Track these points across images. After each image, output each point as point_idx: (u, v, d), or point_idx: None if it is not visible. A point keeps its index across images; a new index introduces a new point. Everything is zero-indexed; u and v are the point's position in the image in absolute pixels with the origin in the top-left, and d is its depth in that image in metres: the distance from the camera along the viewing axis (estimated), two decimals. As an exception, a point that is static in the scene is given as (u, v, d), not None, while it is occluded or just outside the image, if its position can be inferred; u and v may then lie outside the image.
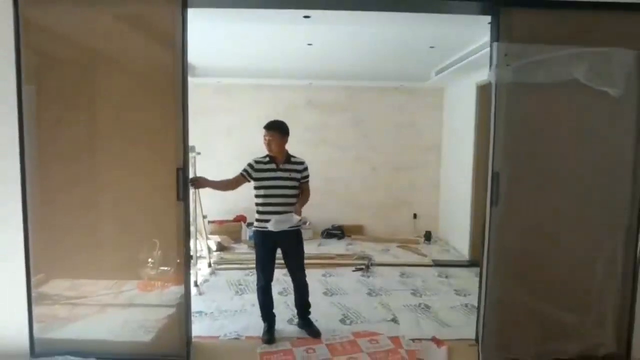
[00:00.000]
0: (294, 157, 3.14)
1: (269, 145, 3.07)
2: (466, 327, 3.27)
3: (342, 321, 3.44)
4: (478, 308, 2.90)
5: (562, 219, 2.72)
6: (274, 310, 3.23)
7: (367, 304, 3.82)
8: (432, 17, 3.23)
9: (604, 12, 2.59)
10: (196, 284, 4.11)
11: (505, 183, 2.63)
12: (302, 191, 3.14)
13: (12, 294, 2.72)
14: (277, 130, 3.07)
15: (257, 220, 3.11)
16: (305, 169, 3.15)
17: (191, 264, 3.24)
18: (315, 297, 3.37)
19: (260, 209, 3.08)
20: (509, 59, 2.53)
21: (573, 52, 2.53)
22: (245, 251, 5.58)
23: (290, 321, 3.42)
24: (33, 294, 2.73)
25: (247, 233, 5.95)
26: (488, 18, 2.88)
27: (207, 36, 3.97)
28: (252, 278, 4.46)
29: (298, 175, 3.10)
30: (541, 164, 2.69)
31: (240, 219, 6.24)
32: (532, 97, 2.63)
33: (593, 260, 2.71)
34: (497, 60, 2.53)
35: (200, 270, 4.51)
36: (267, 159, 3.09)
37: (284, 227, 2.99)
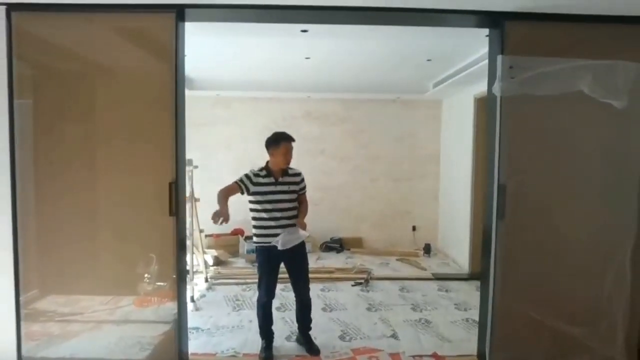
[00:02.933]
0: (290, 168, 3.10)
1: (285, 156, 3.00)
2: (467, 342, 3.21)
3: (342, 337, 3.38)
4: (480, 322, 2.86)
5: (569, 231, 2.70)
6: (272, 327, 3.17)
7: (367, 319, 3.76)
8: (429, 30, 3.24)
9: (605, 24, 2.61)
10: (192, 300, 4.04)
11: (511, 196, 2.61)
12: (300, 202, 3.11)
13: (1, 312, 2.65)
14: (293, 140, 3.04)
15: (258, 235, 3.02)
16: (302, 180, 3.12)
17: (187, 279, 3.18)
18: (314, 312, 3.31)
19: (263, 223, 2.99)
20: (513, 72, 2.53)
21: (577, 65, 2.54)
22: (242, 265, 5.51)
23: (288, 338, 3.35)
24: (25, 311, 2.67)
25: (244, 247, 5.89)
26: (486, 31, 2.90)
27: (205, 49, 3.98)
28: (249, 293, 4.39)
29: (297, 188, 3.07)
30: (547, 176, 2.68)
31: (238, 232, 6.18)
32: (536, 110, 2.63)
33: (602, 273, 2.68)
34: (501, 73, 2.53)
35: (196, 285, 4.44)
36: (265, 172, 3.01)
37: (294, 243, 2.94)
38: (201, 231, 4.75)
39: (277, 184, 3.00)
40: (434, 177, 6.52)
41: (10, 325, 2.65)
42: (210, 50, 4.06)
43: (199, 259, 4.97)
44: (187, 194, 3.21)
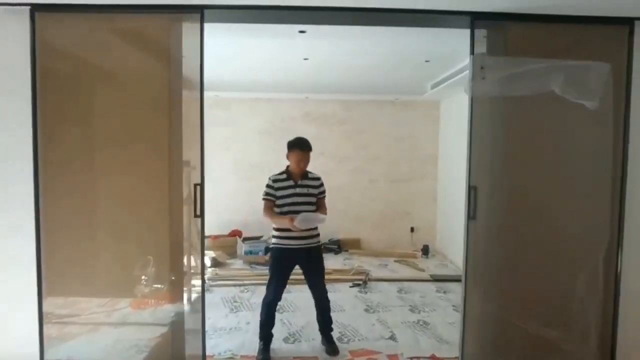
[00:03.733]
0: (310, 172, 3.14)
1: (299, 164, 3.04)
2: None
3: (340, 339, 3.37)
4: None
5: (541, 233, 2.69)
6: (272, 330, 3.16)
7: (365, 321, 3.75)
8: (427, 32, 3.24)
9: (583, 25, 2.60)
10: (190, 301, 4.02)
11: (484, 197, 2.60)
12: (319, 207, 3.13)
13: (20, 312, 2.63)
14: (309, 149, 3.08)
15: (276, 236, 3.08)
16: (322, 184, 3.17)
17: (184, 281, 3.18)
18: (311, 314, 3.31)
19: (277, 226, 3.05)
20: (485, 72, 2.52)
21: (549, 65, 2.52)
22: (240, 267, 5.50)
23: (286, 340, 3.34)
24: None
25: (242, 248, 5.88)
26: (483, 32, 2.89)
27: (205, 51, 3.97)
28: (247, 295, 4.38)
29: (315, 191, 3.11)
30: (520, 178, 2.67)
31: (236, 233, 6.17)
32: (508, 110, 2.62)
33: (575, 275, 2.66)
34: (472, 73, 2.52)
35: (194, 287, 4.42)
36: (285, 175, 3.08)
37: (310, 225, 2.97)
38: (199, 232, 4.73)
39: (296, 186, 3.04)
40: (432, 178, 6.52)
41: (32, 328, 2.61)
42: (209, 51, 4.05)
43: (196, 261, 4.95)
44: (185, 195, 3.21)
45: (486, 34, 2.69)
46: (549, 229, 2.69)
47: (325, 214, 3.13)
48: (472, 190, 2.62)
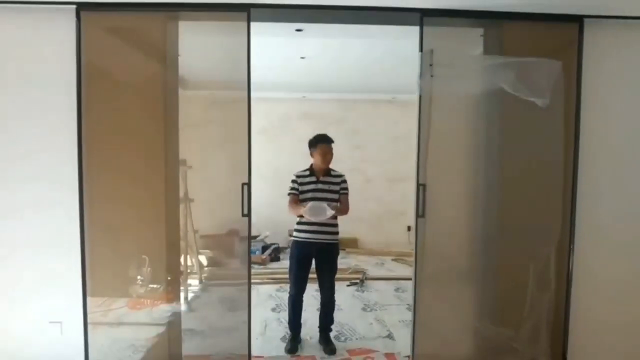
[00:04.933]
0: (333, 170, 3.21)
1: (324, 157, 3.14)
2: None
3: (337, 338, 3.37)
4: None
5: (493, 232, 2.69)
6: (301, 321, 3.24)
7: (362, 319, 3.75)
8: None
9: (532, 23, 2.61)
10: (187, 301, 4.01)
11: (434, 194, 2.59)
12: (340, 203, 3.17)
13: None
14: (330, 141, 3.23)
15: (296, 230, 3.19)
16: (344, 181, 3.23)
17: (181, 280, 3.17)
18: (309, 313, 3.31)
19: (301, 219, 3.13)
20: (434, 70, 2.51)
21: (499, 63, 2.51)
22: (238, 266, 5.48)
23: (283, 339, 3.33)
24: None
25: (240, 247, 5.86)
26: (480, 30, 2.89)
27: (201, 49, 3.95)
28: (244, 295, 4.36)
29: (337, 187, 3.17)
30: (470, 176, 2.67)
31: (233, 233, 6.15)
32: (458, 108, 2.63)
33: (525, 274, 2.66)
34: (421, 71, 2.51)
35: (191, 287, 4.41)
36: (308, 172, 3.18)
37: (319, 215, 3.00)
38: (196, 232, 4.72)
39: (318, 182, 3.13)
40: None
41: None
42: (209, 51, 4.03)
43: (193, 260, 4.94)
44: (181, 194, 3.21)
45: (483, 32, 2.69)
46: (501, 227, 2.68)
47: (347, 209, 3.18)
48: (421, 188, 2.60)
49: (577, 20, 2.58)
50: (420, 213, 2.60)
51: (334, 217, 3.08)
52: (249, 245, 2.79)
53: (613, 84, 2.66)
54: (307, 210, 2.96)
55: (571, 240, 2.65)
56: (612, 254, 2.72)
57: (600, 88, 2.64)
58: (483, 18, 2.60)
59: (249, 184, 2.66)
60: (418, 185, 2.59)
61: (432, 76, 2.49)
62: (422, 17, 2.54)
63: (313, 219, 3.00)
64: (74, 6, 2.48)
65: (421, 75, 2.50)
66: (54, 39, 2.52)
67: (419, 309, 2.65)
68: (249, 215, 2.70)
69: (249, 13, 2.51)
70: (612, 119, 2.69)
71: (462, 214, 2.68)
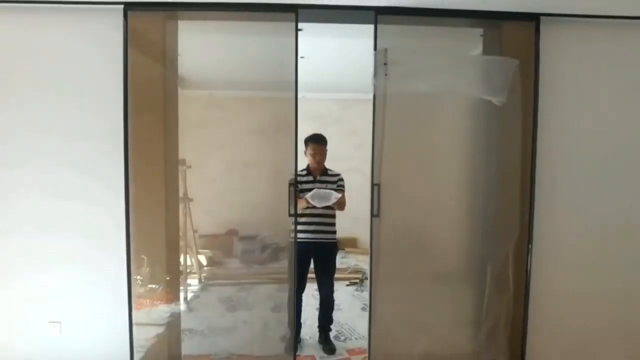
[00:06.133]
0: (330, 170, 3.17)
1: (313, 157, 3.14)
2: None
3: (337, 338, 3.37)
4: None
5: (450, 231, 2.69)
6: (301, 320, 3.28)
7: (362, 319, 3.75)
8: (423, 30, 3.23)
9: (492, 20, 2.62)
10: (186, 300, 4.01)
11: (389, 194, 2.59)
12: None
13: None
14: (323, 142, 3.24)
15: (293, 230, 3.13)
16: (341, 179, 3.31)
17: (180, 280, 3.17)
18: (308, 312, 3.31)
19: (299, 219, 3.12)
20: (388, 68, 2.48)
21: (455, 61, 2.50)
22: (237, 266, 5.47)
23: (282, 339, 3.33)
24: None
25: (239, 247, 5.85)
26: (480, 30, 2.89)
27: (199, 48, 3.94)
28: (244, 294, 4.36)
29: (334, 186, 3.24)
30: (427, 175, 2.67)
31: (232, 232, 6.14)
32: (414, 107, 2.62)
33: (484, 274, 2.65)
34: (375, 70, 2.48)
35: (190, 286, 4.41)
36: (305, 171, 3.23)
37: (324, 202, 3.04)
38: (195, 231, 4.71)
39: (315, 182, 3.17)
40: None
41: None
42: (207, 50, 4.02)
43: (192, 260, 4.93)
44: (181, 194, 3.21)
45: (482, 32, 2.69)
46: (457, 226, 2.69)
47: (344, 204, 3.25)
48: (375, 188, 2.55)
49: (533, 19, 2.57)
50: (375, 213, 2.56)
51: (332, 217, 3.08)
52: (293, 246, 2.73)
53: (570, 82, 2.65)
54: (312, 196, 2.94)
55: (530, 240, 2.64)
56: (570, 254, 2.71)
57: (557, 86, 2.63)
58: (439, 16, 2.58)
59: (295, 183, 2.66)
60: (372, 184, 2.54)
61: (386, 75, 2.46)
62: (376, 15, 2.53)
63: (318, 205, 2.96)
64: (122, 6, 2.48)
65: (375, 74, 2.46)
66: (100, 40, 2.52)
67: (374, 308, 2.63)
68: (295, 215, 2.71)
69: (296, 13, 2.51)
70: (569, 118, 2.67)
71: (417, 213, 2.66)
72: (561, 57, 2.63)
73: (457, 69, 2.49)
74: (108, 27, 2.48)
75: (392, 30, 2.55)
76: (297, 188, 3.13)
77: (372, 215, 2.61)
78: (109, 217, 2.58)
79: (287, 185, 3.11)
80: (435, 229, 2.68)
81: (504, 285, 2.65)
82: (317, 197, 2.98)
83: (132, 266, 2.63)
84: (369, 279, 2.70)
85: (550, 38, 2.60)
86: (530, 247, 2.65)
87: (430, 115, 2.64)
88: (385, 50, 2.51)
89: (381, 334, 2.64)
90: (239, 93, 6.72)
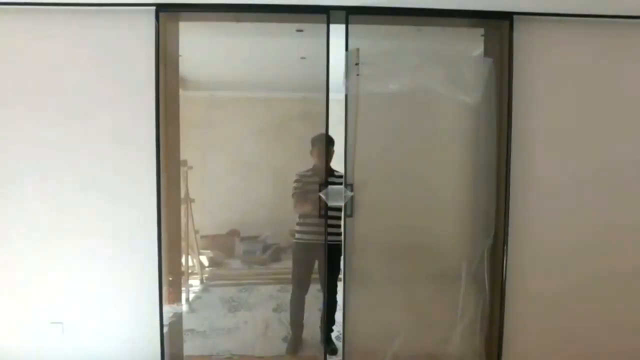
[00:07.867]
0: (337, 171, 3.16)
1: (319, 157, 3.14)
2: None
3: (338, 338, 3.37)
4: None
5: (425, 232, 2.66)
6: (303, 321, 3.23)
7: (363, 319, 3.74)
8: (424, 30, 3.23)
9: (465, 19, 2.62)
10: (188, 301, 4.01)
11: (362, 194, 2.58)
12: None
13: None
14: (330, 143, 3.19)
15: (298, 231, 3.18)
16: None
17: (182, 281, 3.18)
18: (308, 312, 3.30)
19: (302, 220, 3.13)
20: (360, 68, 2.46)
21: (427, 60, 2.48)
22: (239, 266, 5.47)
23: (285, 339, 3.33)
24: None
25: (240, 248, 5.85)
26: (481, 30, 2.89)
27: (201, 49, 3.95)
28: (245, 295, 4.36)
29: None
30: (401, 175, 2.65)
31: (234, 233, 6.15)
32: (387, 107, 2.60)
33: (459, 274, 2.63)
34: (346, 70, 2.47)
35: (192, 287, 4.41)
36: (311, 172, 3.17)
37: (337, 200, 2.93)
38: (196, 232, 4.72)
39: (321, 183, 3.05)
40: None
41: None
42: (206, 50, 4.03)
43: (194, 260, 4.94)
44: (182, 195, 3.21)
45: (483, 32, 2.69)
46: (432, 227, 2.66)
47: None
48: (348, 188, 2.60)
49: (507, 18, 2.56)
50: (348, 213, 2.56)
51: (337, 218, 3.07)
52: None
53: (544, 81, 2.63)
54: (325, 194, 2.93)
55: (505, 241, 2.62)
56: (546, 255, 2.69)
57: (530, 85, 2.61)
58: (411, 15, 2.56)
59: (344, 183, 2.65)
60: (346, 185, 2.54)
61: (358, 75, 2.44)
62: (347, 15, 2.51)
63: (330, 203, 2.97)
64: (153, 7, 2.47)
65: (347, 74, 2.46)
66: (133, 40, 2.53)
67: (348, 308, 2.62)
68: (325, 216, 2.69)
69: (328, 15, 2.49)
70: (543, 117, 2.64)
71: (391, 213, 2.65)
72: (536, 56, 2.60)
73: (430, 67, 2.46)
74: (138, 29, 2.49)
75: (363, 30, 2.54)
76: (297, 191, 3.13)
77: (345, 215, 2.58)
78: (135, 216, 2.61)
79: (287, 185, 3.11)
80: (409, 229, 2.66)
81: (479, 286, 2.62)
82: (330, 194, 2.95)
83: (162, 266, 2.65)
84: (342, 279, 2.69)
85: (525, 37, 2.58)
86: (505, 247, 2.63)
87: (404, 115, 2.61)
88: (357, 50, 2.48)
89: (356, 334, 2.63)
90: (240, 94, 6.75)
